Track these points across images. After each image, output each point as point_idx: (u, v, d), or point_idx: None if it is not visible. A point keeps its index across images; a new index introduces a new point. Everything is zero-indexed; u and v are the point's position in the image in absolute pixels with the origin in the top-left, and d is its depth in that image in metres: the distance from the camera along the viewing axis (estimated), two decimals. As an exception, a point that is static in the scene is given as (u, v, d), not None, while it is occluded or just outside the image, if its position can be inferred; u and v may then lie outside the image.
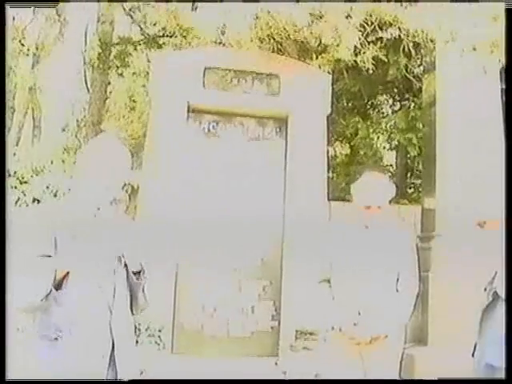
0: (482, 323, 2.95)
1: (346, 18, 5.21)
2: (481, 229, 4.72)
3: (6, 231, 2.37)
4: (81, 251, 2.30)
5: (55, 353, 2.27)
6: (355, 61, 5.68)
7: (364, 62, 5.64)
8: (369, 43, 5.62)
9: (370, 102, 10.79)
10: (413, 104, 9.25)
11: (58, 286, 2.26)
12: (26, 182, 5.96)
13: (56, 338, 2.27)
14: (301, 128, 5.44)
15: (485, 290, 2.95)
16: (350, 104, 10.54)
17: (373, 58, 5.67)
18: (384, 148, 11.19)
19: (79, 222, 2.37)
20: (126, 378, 2.36)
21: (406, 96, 10.03)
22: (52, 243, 2.29)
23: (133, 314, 2.54)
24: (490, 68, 5.69)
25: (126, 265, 2.43)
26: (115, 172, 2.47)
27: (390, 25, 5.40)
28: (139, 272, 2.47)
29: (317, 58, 6.10)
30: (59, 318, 2.28)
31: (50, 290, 2.23)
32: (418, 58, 8.26)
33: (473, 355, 3.00)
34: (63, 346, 2.27)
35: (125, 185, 6.14)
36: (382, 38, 5.64)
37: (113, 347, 2.34)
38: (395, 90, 10.61)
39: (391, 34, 5.47)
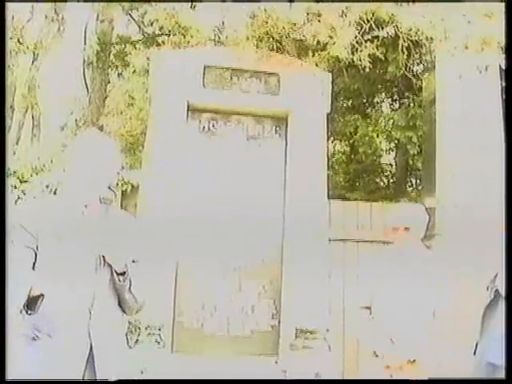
0: (484, 322, 2.95)
1: (342, 16, 5.20)
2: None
3: (6, 230, 2.36)
4: (63, 250, 2.28)
5: (34, 353, 2.24)
6: (352, 59, 5.66)
7: (360, 60, 5.62)
8: (366, 41, 5.60)
9: (369, 101, 10.80)
10: (412, 102, 9.24)
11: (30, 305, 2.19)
12: (25, 181, 5.96)
13: (34, 339, 2.25)
14: (300, 126, 5.42)
15: (487, 288, 2.95)
16: (349, 102, 10.54)
17: (369, 56, 5.65)
18: (384, 146, 11.18)
19: (65, 219, 2.34)
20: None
21: (406, 94, 10.02)
22: (36, 241, 2.27)
23: (126, 314, 2.52)
24: (489, 66, 5.68)
25: (110, 265, 2.38)
26: (103, 168, 2.41)
27: (387, 23, 5.38)
28: (123, 273, 2.40)
29: (313, 55, 6.09)
30: (38, 317, 2.23)
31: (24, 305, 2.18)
32: (417, 57, 8.26)
33: (474, 353, 2.99)
34: (42, 346, 2.24)
35: (123, 183, 6.14)
36: (378, 36, 5.62)
37: (91, 349, 2.30)
38: (394, 89, 10.60)
39: (387, 33, 5.45)
